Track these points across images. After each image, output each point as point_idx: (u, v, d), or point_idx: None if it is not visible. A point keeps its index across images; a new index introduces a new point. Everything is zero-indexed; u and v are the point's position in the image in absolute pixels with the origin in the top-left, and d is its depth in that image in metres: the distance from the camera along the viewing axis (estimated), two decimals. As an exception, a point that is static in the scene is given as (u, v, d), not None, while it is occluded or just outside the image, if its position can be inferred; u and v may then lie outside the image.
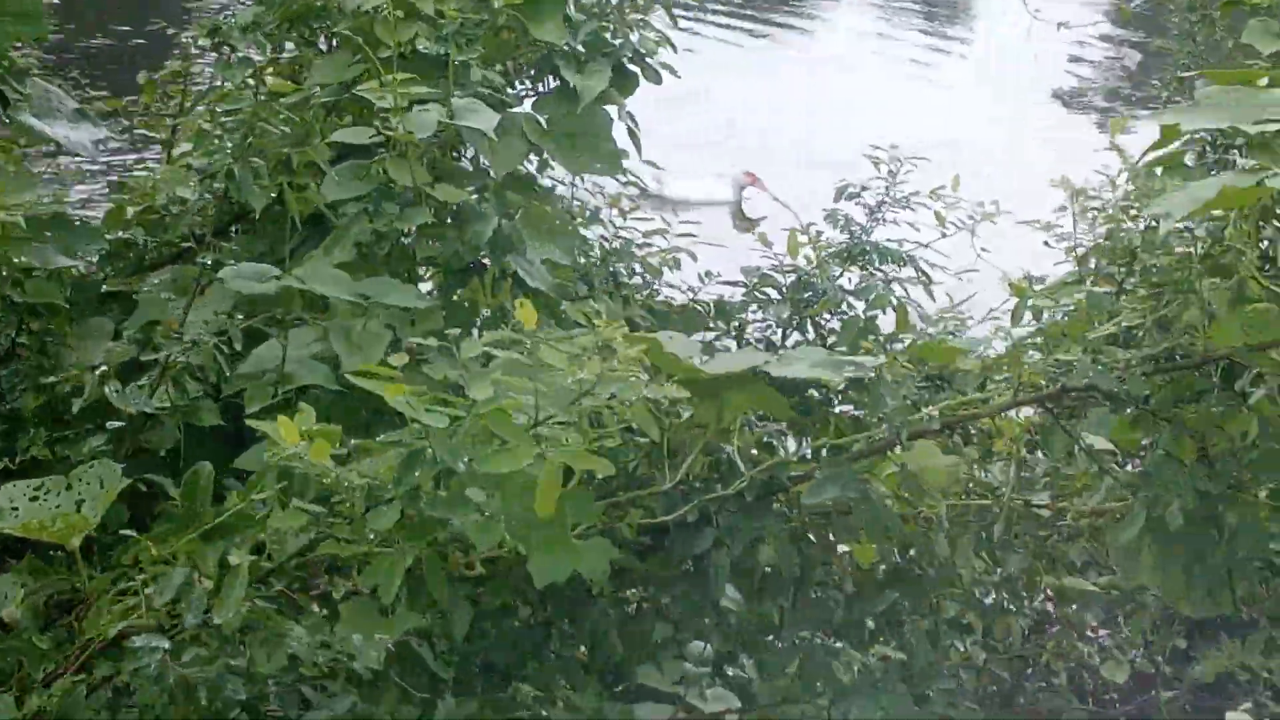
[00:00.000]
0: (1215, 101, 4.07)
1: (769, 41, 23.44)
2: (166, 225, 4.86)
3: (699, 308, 6.20)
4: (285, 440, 3.44)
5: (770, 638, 4.17)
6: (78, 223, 4.77)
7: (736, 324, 6.15)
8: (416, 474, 3.44)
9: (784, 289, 6.05)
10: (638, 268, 6.20)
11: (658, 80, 5.09)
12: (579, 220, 6.21)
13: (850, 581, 4.11)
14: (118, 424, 4.23)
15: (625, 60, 4.95)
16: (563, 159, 4.79)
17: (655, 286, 6.25)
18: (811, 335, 6.01)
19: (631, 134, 5.10)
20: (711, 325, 6.22)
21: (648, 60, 5.13)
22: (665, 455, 3.87)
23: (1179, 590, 3.90)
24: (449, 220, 4.51)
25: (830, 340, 5.97)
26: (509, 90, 4.89)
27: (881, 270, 6.04)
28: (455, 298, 4.62)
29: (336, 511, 3.57)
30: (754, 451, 4.00)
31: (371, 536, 3.51)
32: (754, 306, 6.14)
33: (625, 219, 6.41)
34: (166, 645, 3.52)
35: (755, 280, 6.16)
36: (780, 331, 6.07)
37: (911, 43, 23.89)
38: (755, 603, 4.07)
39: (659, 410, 3.78)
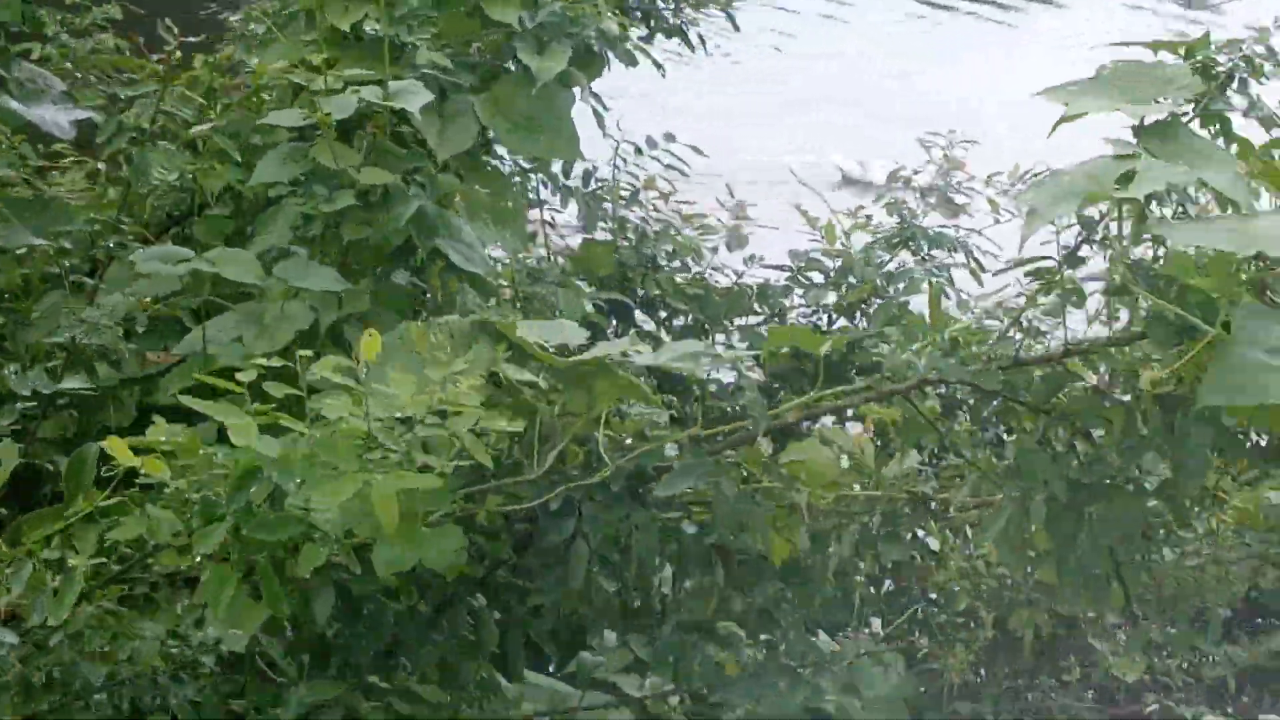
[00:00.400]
0: (1113, 77, 3.84)
1: (1018, 14, 22.94)
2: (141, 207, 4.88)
3: (743, 291, 6.10)
4: (120, 457, 3.45)
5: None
6: (53, 204, 4.81)
7: (778, 309, 6.05)
8: (252, 491, 3.43)
9: (830, 273, 5.92)
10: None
11: (632, 62, 4.97)
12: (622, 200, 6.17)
13: (721, 572, 3.96)
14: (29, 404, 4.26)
15: (591, 42, 4.83)
16: (517, 142, 4.69)
17: (700, 269, 6.18)
18: (860, 320, 5.89)
19: (597, 115, 4.99)
20: (756, 309, 6.12)
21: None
22: (536, 443, 3.78)
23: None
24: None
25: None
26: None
27: (932, 256, 5.88)
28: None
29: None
30: (628, 440, 3.88)
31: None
32: (799, 291, 6.03)
33: (667, 201, 6.34)
34: (13, 640, 3.56)
35: (801, 264, 6.04)
36: (825, 316, 5.93)
37: (1167, 14, 23.19)
38: (632, 593, 3.96)
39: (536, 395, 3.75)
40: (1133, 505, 3.61)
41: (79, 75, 5.56)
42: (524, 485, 3.79)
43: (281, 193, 4.41)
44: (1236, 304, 3.32)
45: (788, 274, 6.05)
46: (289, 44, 4.66)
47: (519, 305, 4.90)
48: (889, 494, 3.91)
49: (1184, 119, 3.75)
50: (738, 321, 6.07)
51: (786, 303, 6.07)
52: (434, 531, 3.59)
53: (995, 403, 3.67)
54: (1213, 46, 3.84)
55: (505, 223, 4.67)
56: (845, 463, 3.90)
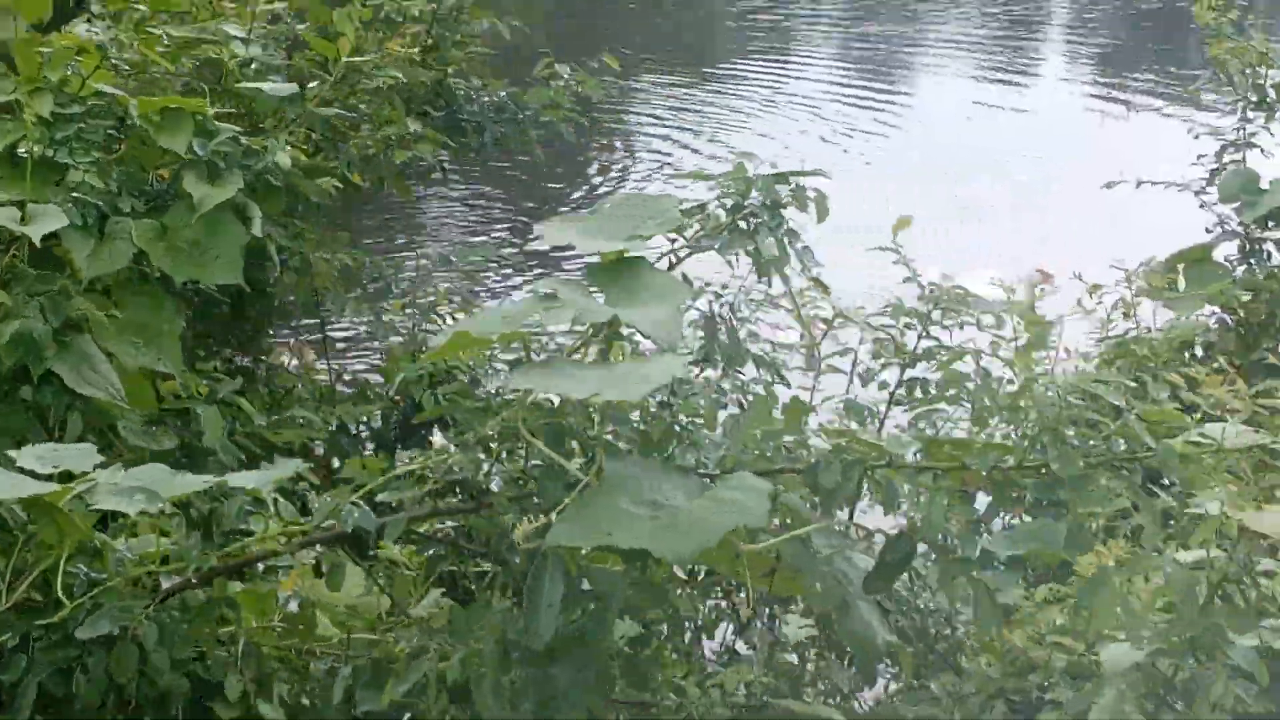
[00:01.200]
0: (613, 210, 3.43)
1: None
2: None
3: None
4: None
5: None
6: None
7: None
8: None
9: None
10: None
11: (324, 197, 4.71)
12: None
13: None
14: None
15: (269, 175, 4.54)
16: (173, 265, 4.36)
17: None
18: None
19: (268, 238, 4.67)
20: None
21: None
22: (5, 577, 3.43)
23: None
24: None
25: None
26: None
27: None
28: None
29: None
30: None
31: None
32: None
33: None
34: None
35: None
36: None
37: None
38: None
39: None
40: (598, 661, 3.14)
41: None
42: (-5, 621, 3.44)
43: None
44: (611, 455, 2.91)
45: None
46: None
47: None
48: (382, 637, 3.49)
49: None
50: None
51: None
52: None
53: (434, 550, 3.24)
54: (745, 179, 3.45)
55: (158, 343, 4.36)
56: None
